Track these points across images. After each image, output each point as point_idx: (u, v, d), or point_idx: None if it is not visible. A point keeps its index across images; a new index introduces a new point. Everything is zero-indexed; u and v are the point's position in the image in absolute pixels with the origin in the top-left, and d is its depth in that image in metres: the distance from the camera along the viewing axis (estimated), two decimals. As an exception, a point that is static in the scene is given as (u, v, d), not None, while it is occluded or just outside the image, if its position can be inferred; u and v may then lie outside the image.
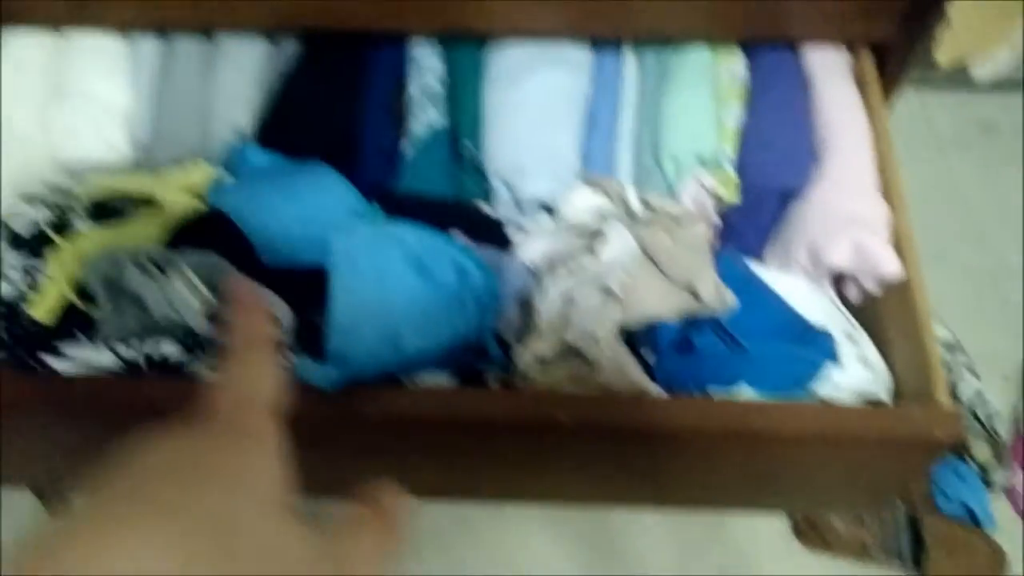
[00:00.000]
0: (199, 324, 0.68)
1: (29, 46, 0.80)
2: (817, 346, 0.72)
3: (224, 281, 0.69)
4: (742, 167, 0.79)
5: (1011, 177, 1.56)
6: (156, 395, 0.66)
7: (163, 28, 0.80)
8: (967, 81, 1.40)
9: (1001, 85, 1.57)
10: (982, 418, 1.29)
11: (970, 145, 1.62)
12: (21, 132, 0.76)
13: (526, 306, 0.74)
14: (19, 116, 0.77)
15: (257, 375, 0.37)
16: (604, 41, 0.85)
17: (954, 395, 1.29)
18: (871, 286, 0.77)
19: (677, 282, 0.74)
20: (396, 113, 0.82)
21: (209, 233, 0.73)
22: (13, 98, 0.77)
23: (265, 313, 0.40)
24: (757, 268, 0.79)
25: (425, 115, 0.82)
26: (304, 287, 0.73)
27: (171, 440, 0.33)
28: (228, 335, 0.38)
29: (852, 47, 0.87)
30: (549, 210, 0.79)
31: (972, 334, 1.37)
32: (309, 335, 0.71)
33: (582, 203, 0.78)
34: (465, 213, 0.78)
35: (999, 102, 1.62)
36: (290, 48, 0.83)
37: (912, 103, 1.51)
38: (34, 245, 0.71)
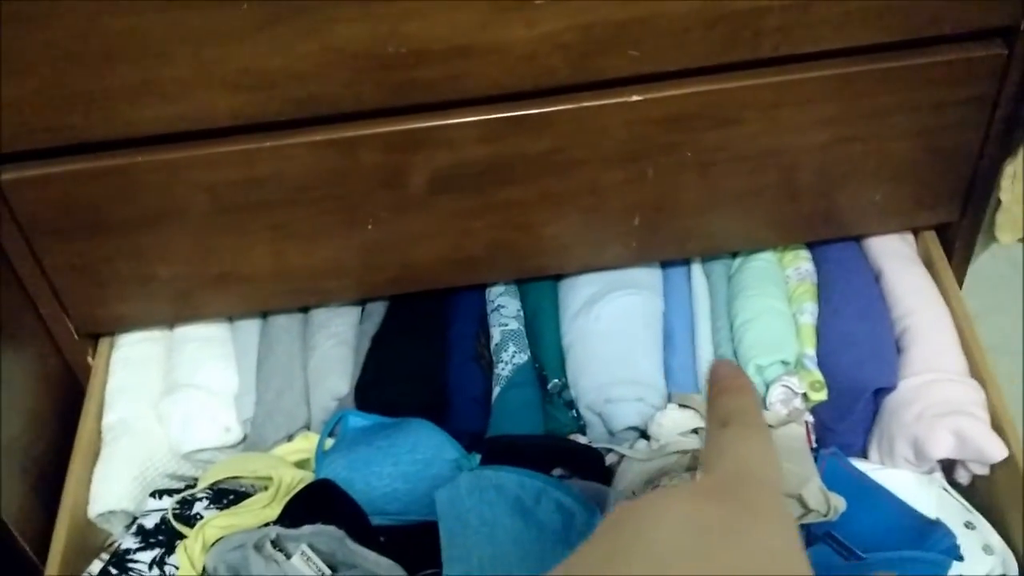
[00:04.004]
0: (319, 599, 0.70)
1: (138, 343, 0.87)
2: (936, 544, 0.70)
3: (343, 550, 0.72)
4: (827, 365, 0.80)
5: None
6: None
7: (263, 313, 0.87)
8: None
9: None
10: None
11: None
12: (139, 428, 0.81)
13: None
14: (136, 413, 0.82)
15: (754, 451, 0.36)
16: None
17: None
18: (979, 470, 0.76)
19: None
20: (481, 357, 0.86)
21: (319, 501, 0.76)
22: (128, 396, 0.83)
23: (750, 392, 0.40)
24: (862, 465, 0.78)
25: (508, 354, 0.85)
26: (416, 544, 0.75)
27: (681, 512, 0.32)
28: (715, 413, 0.38)
29: (916, 230, 0.89)
30: (643, 433, 0.81)
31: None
32: (426, 593, 0.73)
33: (672, 423, 0.80)
34: (562, 450, 0.80)
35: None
36: (378, 308, 0.89)
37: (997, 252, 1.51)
38: (161, 538, 0.75)
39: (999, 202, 0.78)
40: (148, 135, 0.70)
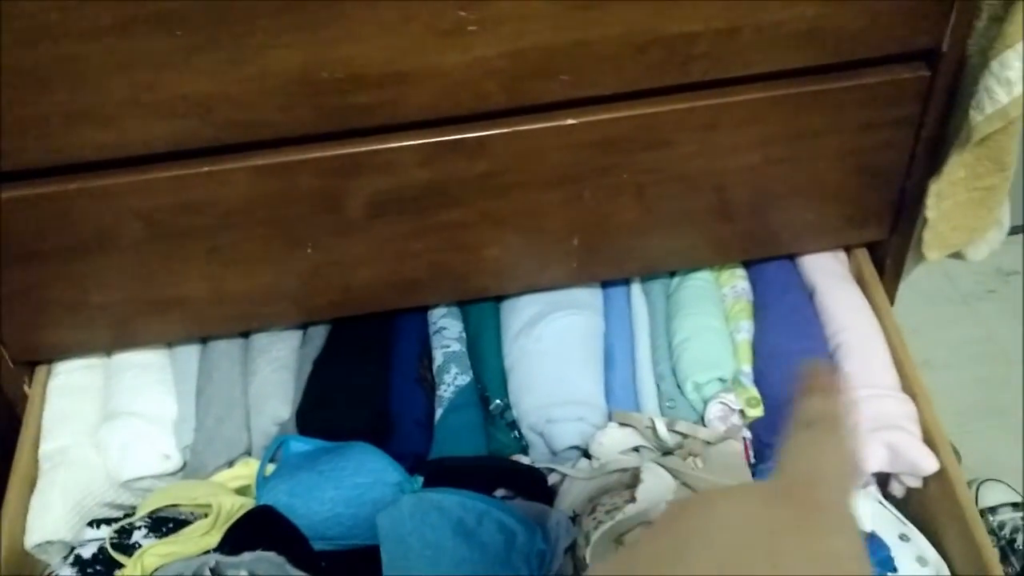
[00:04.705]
0: (260, 626, 0.69)
1: (75, 371, 0.86)
2: (870, 556, 0.72)
3: None
4: (763, 382, 0.81)
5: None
6: None
7: (202, 339, 0.86)
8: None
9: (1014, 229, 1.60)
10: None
11: (993, 293, 1.64)
12: (77, 457, 0.80)
13: (574, 555, 0.75)
14: (74, 442, 0.81)
15: (831, 456, 0.36)
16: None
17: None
18: (912, 483, 0.78)
19: (719, 509, 0.75)
20: (423, 380, 0.86)
21: (260, 528, 0.75)
22: (66, 425, 0.82)
23: (838, 395, 0.40)
24: (797, 480, 0.80)
25: (450, 376, 0.85)
26: (358, 569, 0.75)
27: (749, 511, 0.32)
28: (800, 413, 0.38)
29: (847, 248, 0.91)
30: (585, 452, 0.82)
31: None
32: (368, 616, 0.73)
33: (613, 442, 0.80)
34: (505, 471, 0.80)
35: (1014, 247, 1.65)
36: (319, 332, 0.89)
37: (933, 269, 1.54)
38: (100, 568, 0.74)
39: (926, 220, 0.80)
40: (83, 161, 0.69)
